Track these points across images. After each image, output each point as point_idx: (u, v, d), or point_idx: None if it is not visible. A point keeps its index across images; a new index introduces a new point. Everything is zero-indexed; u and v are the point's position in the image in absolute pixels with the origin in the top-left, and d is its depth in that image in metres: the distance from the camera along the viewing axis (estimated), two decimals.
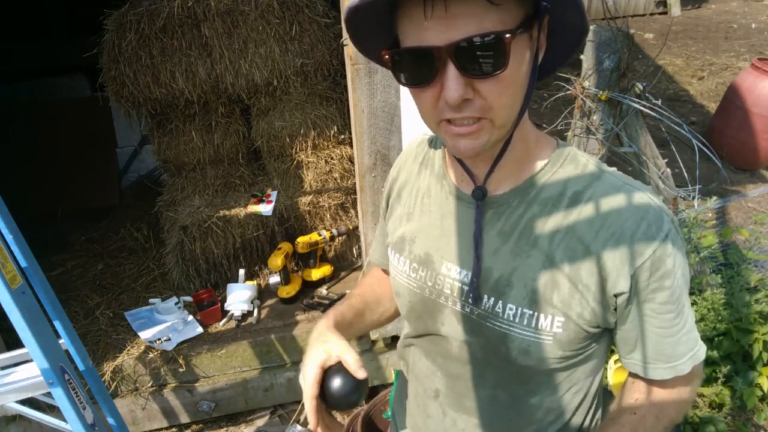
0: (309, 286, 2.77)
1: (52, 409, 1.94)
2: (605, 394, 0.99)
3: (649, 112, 2.09)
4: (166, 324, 2.52)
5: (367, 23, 0.71)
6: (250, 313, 2.60)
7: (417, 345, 0.97)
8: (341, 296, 2.70)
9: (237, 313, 2.55)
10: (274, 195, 2.84)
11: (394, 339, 2.51)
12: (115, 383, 2.35)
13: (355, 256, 2.95)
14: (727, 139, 4.27)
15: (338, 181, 2.93)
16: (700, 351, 0.81)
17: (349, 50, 1.99)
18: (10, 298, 1.48)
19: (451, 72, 0.64)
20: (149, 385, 2.40)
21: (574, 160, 0.80)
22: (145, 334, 2.46)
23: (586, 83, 2.11)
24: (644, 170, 2.31)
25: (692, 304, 2.30)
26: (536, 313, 0.77)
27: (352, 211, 2.88)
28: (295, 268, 2.84)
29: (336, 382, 0.82)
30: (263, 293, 2.77)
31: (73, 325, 1.88)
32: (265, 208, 2.74)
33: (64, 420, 1.68)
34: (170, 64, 2.63)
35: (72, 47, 2.99)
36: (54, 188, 3.78)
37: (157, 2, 2.59)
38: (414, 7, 0.64)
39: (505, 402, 0.88)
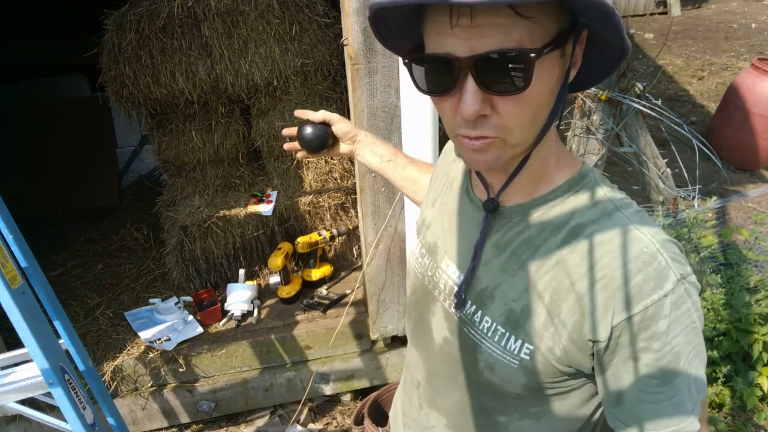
0: (309, 286, 2.77)
1: (52, 409, 1.94)
2: None
3: (649, 112, 2.09)
4: (166, 324, 2.52)
5: (392, 22, 0.68)
6: (250, 313, 2.60)
7: (411, 334, 0.98)
8: (341, 296, 2.70)
9: (237, 313, 2.55)
10: (274, 195, 2.84)
11: (394, 339, 2.51)
12: (115, 383, 2.35)
13: (355, 256, 2.95)
14: (727, 139, 4.27)
15: (338, 181, 2.93)
16: (688, 427, 0.70)
17: (349, 50, 1.99)
18: (10, 298, 1.48)
19: (470, 85, 0.61)
20: (149, 385, 2.40)
21: (590, 189, 0.74)
22: (145, 334, 2.46)
23: None
24: (644, 170, 2.32)
25: None
26: (508, 334, 0.75)
27: (352, 211, 2.88)
28: (295, 268, 2.84)
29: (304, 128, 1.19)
30: (263, 293, 2.77)
31: (73, 325, 1.88)
32: (265, 208, 2.75)
33: (64, 420, 1.68)
34: (170, 64, 2.63)
35: (72, 47, 2.98)
36: (54, 188, 3.78)
37: (157, 2, 2.59)
38: (441, 13, 0.60)
39: (475, 410, 0.87)
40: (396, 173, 1.18)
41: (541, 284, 0.73)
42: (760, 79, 4.10)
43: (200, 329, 2.50)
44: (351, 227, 2.84)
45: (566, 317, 0.71)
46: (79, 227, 3.56)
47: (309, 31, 2.69)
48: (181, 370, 2.39)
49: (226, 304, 2.59)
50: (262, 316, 2.61)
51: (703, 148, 2.19)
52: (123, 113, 2.77)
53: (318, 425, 2.52)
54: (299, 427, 2.41)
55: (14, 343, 2.05)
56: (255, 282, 2.75)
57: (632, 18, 8.04)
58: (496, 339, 0.77)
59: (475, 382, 0.83)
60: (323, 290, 2.76)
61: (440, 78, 0.64)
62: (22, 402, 1.76)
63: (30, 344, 1.54)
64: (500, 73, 0.60)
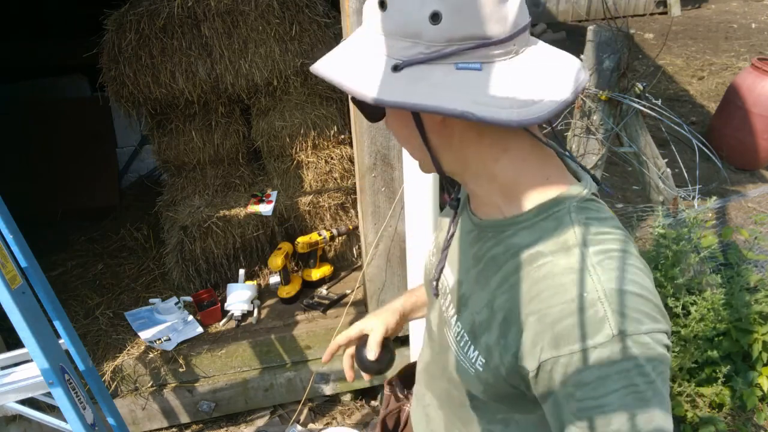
0: (309, 286, 2.77)
1: (52, 409, 1.94)
2: None
3: (649, 112, 2.10)
4: (166, 324, 2.52)
5: None
6: (250, 313, 2.60)
7: (426, 318, 1.04)
8: (341, 296, 2.70)
9: (237, 313, 2.56)
10: (274, 195, 2.84)
11: (394, 339, 2.50)
12: (115, 383, 2.35)
13: (355, 256, 2.95)
14: (727, 139, 4.27)
15: (338, 181, 2.93)
16: None
17: None
18: (10, 298, 1.48)
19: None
20: (149, 385, 2.40)
21: (559, 219, 0.71)
22: (145, 334, 2.46)
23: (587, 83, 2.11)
24: (644, 170, 2.32)
25: (692, 304, 2.30)
26: (470, 343, 0.77)
27: (352, 211, 2.88)
28: (295, 268, 2.84)
29: (359, 350, 1.07)
30: (263, 293, 2.77)
31: (73, 325, 1.88)
32: (265, 208, 2.75)
33: (64, 420, 1.68)
34: (170, 64, 2.63)
35: (72, 47, 2.98)
36: (54, 188, 3.78)
37: (157, 2, 2.59)
38: None
39: (456, 402, 0.91)
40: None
41: (497, 303, 0.73)
42: (760, 79, 4.10)
43: (200, 329, 2.50)
44: (351, 227, 2.84)
45: (511, 341, 0.71)
46: (79, 227, 3.56)
47: (309, 31, 2.69)
48: (181, 370, 2.39)
49: (226, 304, 2.59)
50: (262, 316, 2.61)
51: (703, 148, 2.19)
52: (123, 113, 2.77)
53: (318, 425, 2.52)
54: (299, 427, 2.41)
55: (14, 343, 2.04)
56: (255, 282, 2.75)
57: (632, 18, 8.04)
58: (461, 345, 0.80)
59: (453, 378, 0.86)
60: (323, 290, 2.76)
61: None
62: (22, 402, 1.77)
63: (30, 344, 1.54)
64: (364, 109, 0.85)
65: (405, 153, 1.91)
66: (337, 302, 2.66)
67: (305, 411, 2.51)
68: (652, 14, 8.22)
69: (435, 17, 0.63)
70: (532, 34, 0.76)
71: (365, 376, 1.09)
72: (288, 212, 2.79)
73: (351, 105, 2.14)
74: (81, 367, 1.88)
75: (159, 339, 2.43)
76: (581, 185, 0.77)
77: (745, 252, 2.54)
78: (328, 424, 2.53)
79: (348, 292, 2.72)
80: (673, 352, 2.42)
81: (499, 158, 0.74)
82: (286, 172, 2.94)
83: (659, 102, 2.08)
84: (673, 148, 2.51)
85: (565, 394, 0.66)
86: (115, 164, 4.04)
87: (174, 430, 2.52)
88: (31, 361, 1.61)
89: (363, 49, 0.70)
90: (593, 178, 0.81)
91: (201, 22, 2.63)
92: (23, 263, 1.67)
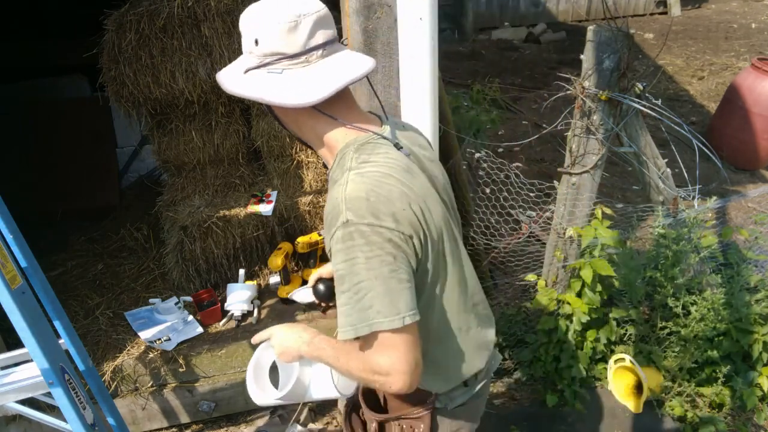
0: None
1: (52, 409, 1.94)
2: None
3: (649, 112, 2.09)
4: (166, 324, 2.52)
5: None
6: (250, 313, 2.60)
7: None
8: None
9: (237, 313, 2.56)
10: (274, 195, 2.84)
11: None
12: (115, 383, 2.35)
13: None
14: (727, 139, 4.27)
15: None
16: (363, 328, 0.99)
17: None
18: (10, 298, 1.48)
19: None
20: (149, 385, 2.40)
21: (344, 157, 1.11)
22: (145, 334, 2.46)
23: (586, 83, 2.11)
24: (644, 170, 2.32)
25: (692, 304, 2.30)
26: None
27: None
28: (295, 268, 2.84)
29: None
30: (263, 293, 2.77)
31: (73, 325, 1.88)
32: (265, 208, 2.74)
33: (64, 420, 1.68)
34: (170, 64, 2.63)
35: (72, 47, 2.98)
36: (54, 188, 3.77)
37: (157, 2, 2.59)
38: None
39: None
40: None
41: (327, 233, 1.09)
42: (760, 79, 4.10)
43: (200, 329, 2.50)
44: None
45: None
46: (79, 227, 3.56)
47: None
48: (181, 370, 2.39)
49: (226, 304, 2.59)
50: (262, 316, 2.61)
51: (703, 148, 2.19)
52: (123, 113, 2.77)
53: (318, 425, 2.52)
54: (299, 427, 2.41)
55: (14, 343, 2.04)
56: (255, 282, 2.75)
57: (632, 18, 8.04)
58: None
59: None
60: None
61: None
62: (22, 402, 1.76)
63: (30, 344, 1.54)
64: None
65: None
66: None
67: (305, 411, 2.51)
68: (652, 14, 8.21)
69: (256, 42, 1.06)
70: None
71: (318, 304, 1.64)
72: (288, 212, 2.79)
73: None
74: (81, 367, 1.88)
75: (159, 339, 2.43)
76: (367, 135, 1.12)
77: (745, 252, 2.54)
78: (327, 424, 2.53)
79: None
80: (673, 352, 2.42)
81: (314, 127, 1.14)
82: (286, 172, 2.94)
83: (659, 102, 2.08)
84: (673, 148, 2.51)
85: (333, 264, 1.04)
86: (115, 164, 4.04)
87: (174, 430, 2.52)
88: (31, 361, 1.61)
89: (238, 62, 1.14)
90: (394, 135, 1.16)
91: (201, 22, 2.63)
92: (23, 263, 1.67)
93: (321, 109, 1.09)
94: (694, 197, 2.35)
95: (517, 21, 7.91)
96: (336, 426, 2.52)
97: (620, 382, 2.45)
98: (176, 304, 2.66)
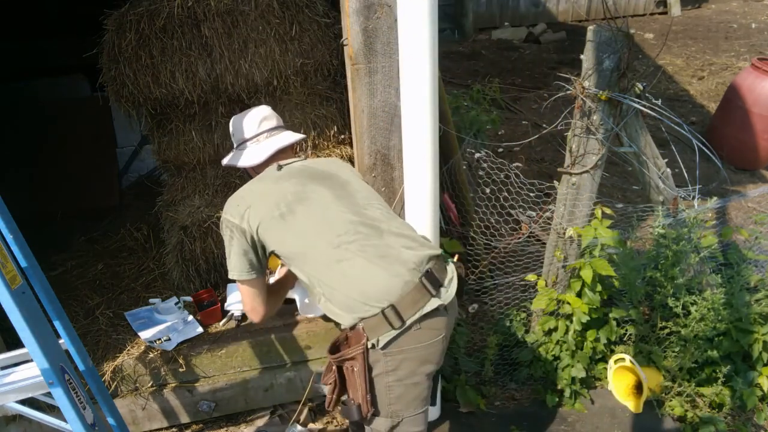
0: None
1: (52, 409, 1.94)
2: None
3: (649, 112, 2.09)
4: (166, 324, 2.52)
5: None
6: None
7: None
8: None
9: (237, 313, 2.55)
10: None
11: None
12: (115, 383, 2.35)
13: None
14: (727, 139, 4.27)
15: None
16: (229, 274, 1.67)
17: (349, 50, 1.99)
18: (10, 298, 1.48)
19: None
20: (149, 385, 2.40)
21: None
22: (145, 334, 2.46)
23: (586, 83, 2.11)
24: (644, 170, 2.32)
25: (692, 304, 2.30)
26: None
27: None
28: None
29: None
30: None
31: (73, 325, 1.88)
32: None
33: (64, 420, 1.68)
34: (170, 64, 2.63)
35: (72, 47, 2.99)
36: (54, 188, 3.78)
37: (157, 2, 2.59)
38: None
39: None
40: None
41: None
42: (760, 79, 4.10)
43: (200, 329, 2.50)
44: None
45: None
46: (79, 227, 3.56)
47: (309, 31, 2.69)
48: (181, 370, 2.39)
49: (226, 304, 2.59)
50: None
51: (703, 148, 2.19)
52: (123, 113, 2.77)
53: (318, 425, 2.52)
54: (299, 427, 2.41)
55: (14, 343, 2.04)
56: None
57: (632, 18, 8.04)
58: None
59: None
60: None
61: None
62: (22, 402, 1.76)
63: (30, 344, 1.54)
64: None
65: (405, 153, 1.91)
66: None
67: (305, 411, 2.51)
68: (652, 14, 8.22)
69: (232, 135, 1.94)
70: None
71: None
72: None
73: (351, 105, 2.14)
74: (81, 367, 1.88)
75: (159, 339, 2.43)
76: (276, 165, 1.77)
77: (745, 252, 2.54)
78: (327, 424, 2.53)
79: None
80: (673, 351, 2.42)
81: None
82: None
83: (659, 102, 2.08)
84: (673, 148, 2.51)
85: None
86: (115, 164, 4.04)
87: (174, 430, 2.52)
88: (31, 361, 1.61)
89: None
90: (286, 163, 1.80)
91: (201, 22, 2.62)
92: (23, 263, 1.67)
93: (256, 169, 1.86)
94: (694, 197, 2.35)
95: (517, 21, 7.91)
96: (336, 426, 2.52)
97: (620, 382, 2.45)
98: (176, 304, 2.66)
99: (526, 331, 2.63)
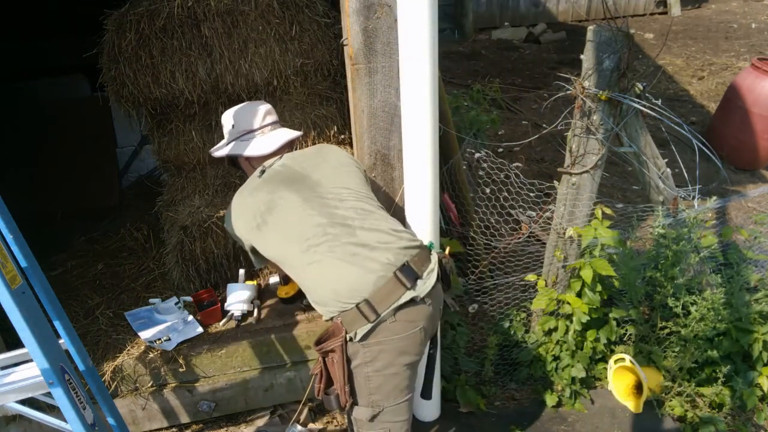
0: None
1: (52, 409, 1.94)
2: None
3: (649, 112, 2.09)
4: (166, 324, 2.52)
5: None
6: (250, 313, 2.60)
7: None
8: None
9: (237, 313, 2.55)
10: None
11: None
12: (115, 383, 2.35)
13: None
14: (727, 139, 4.27)
15: None
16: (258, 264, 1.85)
17: (349, 50, 1.99)
18: (10, 298, 1.48)
19: None
20: (149, 385, 2.40)
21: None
22: (145, 334, 2.46)
23: (586, 83, 2.11)
24: (644, 170, 2.32)
25: (692, 304, 2.30)
26: None
27: None
28: None
29: None
30: (263, 293, 2.77)
31: (73, 325, 1.88)
32: None
33: (64, 420, 1.68)
34: (170, 64, 2.63)
35: (72, 47, 2.99)
36: (54, 188, 3.78)
37: (157, 2, 2.59)
38: None
39: None
40: None
41: None
42: (760, 79, 4.10)
43: (200, 329, 2.50)
44: None
45: None
46: (79, 227, 3.55)
47: (309, 31, 2.69)
48: (181, 370, 2.39)
49: (226, 304, 2.59)
50: (262, 316, 2.61)
51: (703, 148, 2.19)
52: (123, 113, 2.77)
53: (318, 425, 2.52)
54: (299, 427, 2.41)
55: (14, 343, 2.04)
56: (255, 282, 2.74)
57: (632, 18, 8.04)
58: None
59: None
60: None
61: None
62: (22, 402, 1.76)
63: (30, 344, 1.54)
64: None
65: (405, 153, 1.91)
66: None
67: (305, 411, 2.51)
68: (652, 14, 8.22)
69: (233, 126, 1.94)
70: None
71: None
72: None
73: (351, 105, 2.14)
74: (81, 367, 1.88)
75: (159, 339, 2.43)
76: (259, 170, 1.83)
77: (745, 252, 2.54)
78: (327, 424, 2.53)
79: None
80: (673, 351, 2.42)
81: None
82: None
83: (659, 102, 2.08)
84: (673, 148, 2.51)
85: None
86: (115, 164, 4.04)
87: (174, 430, 2.52)
88: (31, 361, 1.61)
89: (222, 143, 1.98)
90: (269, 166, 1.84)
91: (201, 22, 2.63)
92: (23, 263, 1.67)
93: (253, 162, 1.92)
94: (694, 197, 2.35)
95: (517, 21, 7.92)
96: (336, 426, 2.52)
97: (620, 382, 2.45)
98: (176, 304, 2.66)
99: (526, 331, 2.63)
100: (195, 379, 2.43)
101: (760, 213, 3.80)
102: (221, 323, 2.57)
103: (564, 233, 2.39)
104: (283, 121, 2.85)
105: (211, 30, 2.63)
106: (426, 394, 1.87)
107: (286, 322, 2.55)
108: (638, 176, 2.42)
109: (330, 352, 1.57)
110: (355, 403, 1.61)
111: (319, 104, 2.84)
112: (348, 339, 1.55)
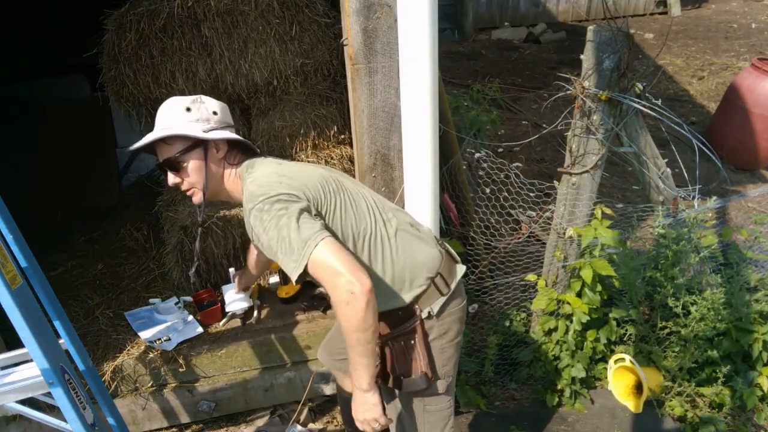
0: (308, 286, 2.76)
1: (52, 409, 1.94)
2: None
3: (649, 112, 2.09)
4: (166, 324, 2.52)
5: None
6: (251, 310, 2.59)
7: None
8: None
9: (239, 311, 2.54)
10: None
11: None
12: (115, 383, 2.35)
13: None
14: (727, 139, 4.27)
15: None
16: (309, 246, 1.34)
17: (349, 50, 1.99)
18: (10, 298, 1.48)
19: (168, 173, 1.59)
20: (149, 385, 2.40)
21: (245, 187, 1.51)
22: (145, 334, 2.46)
23: (586, 83, 2.11)
24: (644, 170, 2.32)
25: (692, 304, 2.30)
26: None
27: None
28: None
29: None
30: (263, 293, 2.77)
31: (73, 325, 1.88)
32: None
33: (64, 420, 1.68)
34: (170, 64, 2.63)
35: (72, 47, 2.99)
36: (54, 188, 3.78)
37: (157, 2, 2.59)
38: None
39: None
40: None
41: (248, 225, 1.47)
42: (760, 79, 4.10)
43: (200, 329, 2.50)
44: None
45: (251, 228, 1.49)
46: (79, 227, 3.55)
47: (309, 31, 2.69)
48: (181, 370, 2.39)
49: (226, 306, 2.58)
50: (262, 316, 2.61)
51: (703, 148, 2.19)
52: (123, 113, 2.78)
53: (318, 425, 2.52)
54: (299, 427, 2.41)
55: (14, 343, 2.04)
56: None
57: (632, 18, 8.04)
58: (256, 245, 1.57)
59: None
60: (323, 290, 2.76)
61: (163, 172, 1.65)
62: (22, 402, 1.76)
63: (30, 344, 1.54)
64: (172, 166, 1.56)
65: (405, 153, 1.91)
66: None
67: (305, 411, 2.51)
68: (652, 14, 8.22)
69: (213, 113, 1.61)
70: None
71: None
72: None
73: (351, 105, 2.14)
74: (81, 367, 1.88)
75: (159, 339, 2.43)
76: (249, 160, 1.62)
77: (745, 252, 2.54)
78: (327, 424, 2.53)
79: None
80: (673, 351, 2.42)
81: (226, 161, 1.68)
82: None
83: (659, 102, 2.08)
84: (673, 148, 2.51)
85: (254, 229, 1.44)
86: (115, 164, 4.04)
87: (174, 430, 2.52)
88: (31, 361, 1.61)
89: (184, 126, 1.58)
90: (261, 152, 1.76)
91: (201, 22, 2.63)
92: (23, 263, 1.67)
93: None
94: (694, 197, 2.35)
95: (517, 21, 7.92)
96: (336, 426, 2.52)
97: (620, 382, 2.45)
98: (176, 304, 2.66)
99: (526, 331, 2.63)
100: (195, 379, 2.43)
101: (760, 213, 3.79)
102: (221, 323, 2.57)
103: (564, 233, 2.39)
104: (283, 121, 2.88)
105: (211, 30, 2.63)
106: None
107: (286, 322, 2.55)
108: (638, 176, 2.42)
109: (402, 335, 1.56)
110: (436, 377, 1.64)
111: (319, 104, 2.84)
112: (425, 316, 1.57)
